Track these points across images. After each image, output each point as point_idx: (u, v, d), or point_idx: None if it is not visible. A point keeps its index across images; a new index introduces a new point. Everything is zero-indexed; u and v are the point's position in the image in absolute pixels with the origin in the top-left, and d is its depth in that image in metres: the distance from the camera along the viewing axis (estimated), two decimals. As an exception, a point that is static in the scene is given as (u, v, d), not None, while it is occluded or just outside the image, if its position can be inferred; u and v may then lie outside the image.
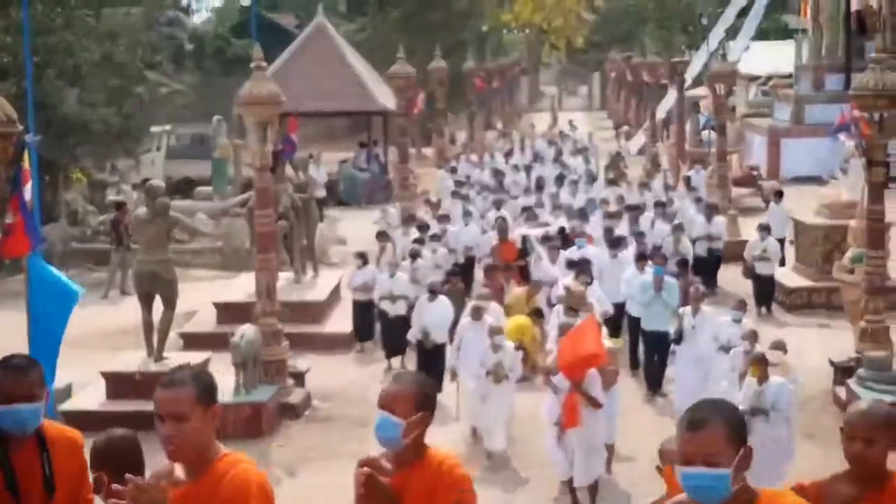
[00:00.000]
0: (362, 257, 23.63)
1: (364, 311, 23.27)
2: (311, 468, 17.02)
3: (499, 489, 15.72)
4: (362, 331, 23.50)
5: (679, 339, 18.34)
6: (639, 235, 24.43)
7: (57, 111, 31.74)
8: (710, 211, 28.12)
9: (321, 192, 40.06)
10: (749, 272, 25.84)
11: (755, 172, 42.54)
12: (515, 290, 22.40)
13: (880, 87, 18.33)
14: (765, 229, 25.91)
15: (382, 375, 21.43)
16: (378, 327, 22.89)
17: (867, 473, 6.45)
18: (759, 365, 14.75)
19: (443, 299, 20.21)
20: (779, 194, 30.37)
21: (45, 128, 30.64)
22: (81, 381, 19.62)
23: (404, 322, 21.42)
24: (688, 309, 18.54)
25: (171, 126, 47.79)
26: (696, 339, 18.17)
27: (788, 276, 26.58)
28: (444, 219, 27.66)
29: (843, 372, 19.28)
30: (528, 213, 28.33)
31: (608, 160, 44.56)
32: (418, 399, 6.49)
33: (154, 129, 40.38)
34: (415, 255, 23.47)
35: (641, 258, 21.22)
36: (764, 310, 25.44)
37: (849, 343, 20.17)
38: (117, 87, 34.15)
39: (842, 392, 18.83)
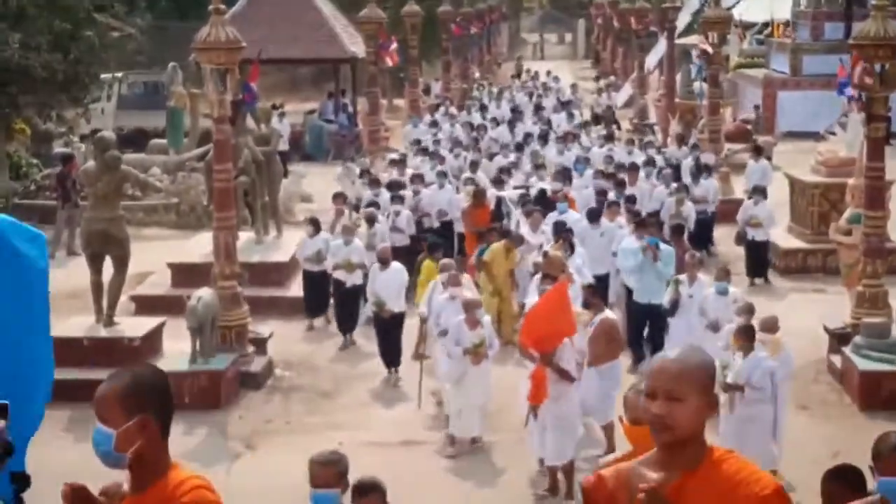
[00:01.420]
0: (314, 224, 22.97)
1: (316, 284, 22.74)
2: (272, 441, 17.11)
3: (471, 482, 15.66)
4: (314, 305, 23.05)
5: (674, 309, 18.26)
6: (630, 200, 24.09)
7: (-3, 56, 31.58)
8: (699, 172, 27.86)
9: (284, 146, 40.05)
10: (741, 239, 25.71)
11: (749, 126, 42.65)
12: (494, 245, 21.86)
13: (882, 36, 18.43)
14: (758, 192, 25.56)
15: (337, 353, 21.55)
16: (332, 301, 22.47)
17: (674, 447, 5.15)
18: (741, 337, 14.62)
19: (396, 265, 20.06)
20: (757, 150, 30.57)
21: (-16, 74, 30.56)
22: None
23: (360, 293, 21.46)
24: (683, 277, 18.43)
25: (122, 73, 47.56)
26: (693, 309, 18.07)
27: (782, 238, 26.73)
28: (418, 179, 26.96)
29: (838, 339, 19.43)
30: (504, 174, 27.83)
31: (599, 114, 44.46)
32: (128, 402, 5.61)
33: (104, 76, 40.16)
34: (371, 220, 23.13)
35: (640, 225, 20.59)
36: (759, 280, 25.34)
37: (845, 308, 20.32)
38: (63, 30, 33.84)
39: (837, 360, 19.01)
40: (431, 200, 26.17)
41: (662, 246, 19.81)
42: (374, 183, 26.93)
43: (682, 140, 33.48)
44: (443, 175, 27.26)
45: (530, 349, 14.72)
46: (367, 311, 20.93)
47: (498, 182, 26.62)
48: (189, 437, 16.95)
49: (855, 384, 18.01)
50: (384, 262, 19.99)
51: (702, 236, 26.48)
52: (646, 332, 20.03)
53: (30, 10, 33.28)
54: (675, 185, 26.04)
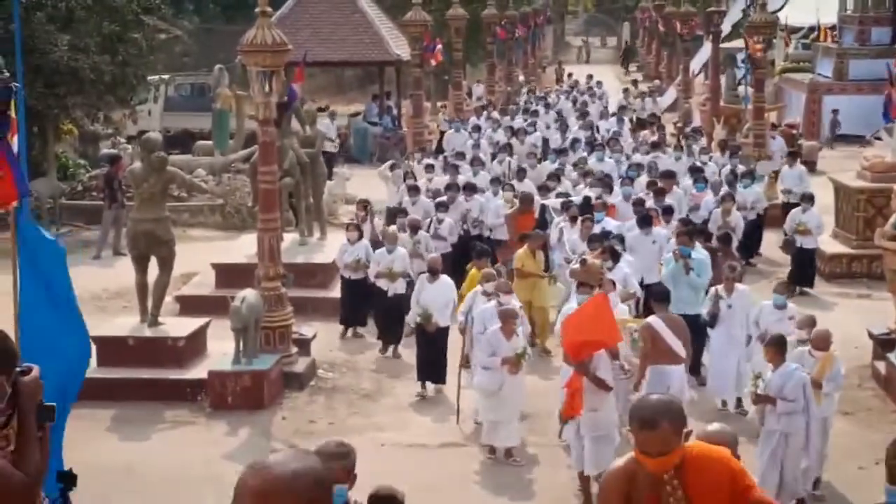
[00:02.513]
0: (356, 229, 22.44)
1: (354, 292, 22.21)
2: (315, 442, 16.88)
3: (509, 488, 15.54)
4: (350, 314, 22.52)
5: (714, 321, 17.85)
6: (667, 211, 23.19)
7: (47, 57, 31.69)
8: (735, 179, 27.11)
9: (332, 147, 40.17)
10: (789, 246, 25.25)
11: (794, 131, 42.40)
12: (519, 252, 21.25)
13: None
14: (806, 199, 24.98)
15: (380, 355, 21.31)
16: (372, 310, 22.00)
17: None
18: (772, 349, 14.21)
19: (445, 278, 19.36)
20: (792, 155, 30.19)
21: (33, 75, 30.69)
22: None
23: (403, 302, 20.66)
24: (721, 288, 17.93)
25: (169, 75, 47.78)
26: (733, 320, 17.77)
27: (827, 243, 26.49)
28: (468, 187, 26.00)
29: (882, 345, 19.30)
30: (552, 179, 26.90)
31: (643, 119, 44.09)
32: None
33: (151, 78, 40.34)
34: (415, 228, 22.68)
35: (683, 235, 19.77)
36: (806, 288, 24.70)
37: (890, 314, 20.14)
38: (112, 32, 34.05)
39: (881, 367, 18.88)
40: (485, 210, 25.31)
41: (695, 255, 19.14)
42: (413, 190, 26.09)
43: (724, 146, 32.88)
44: (497, 182, 26.68)
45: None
46: (409, 321, 20.12)
47: (543, 189, 25.73)
48: (232, 437, 17.00)
49: (899, 390, 17.88)
50: (434, 273, 19.27)
51: (745, 244, 25.81)
52: None
53: (79, 12, 33.47)
54: (723, 192, 25.45)
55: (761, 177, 29.23)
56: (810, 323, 15.71)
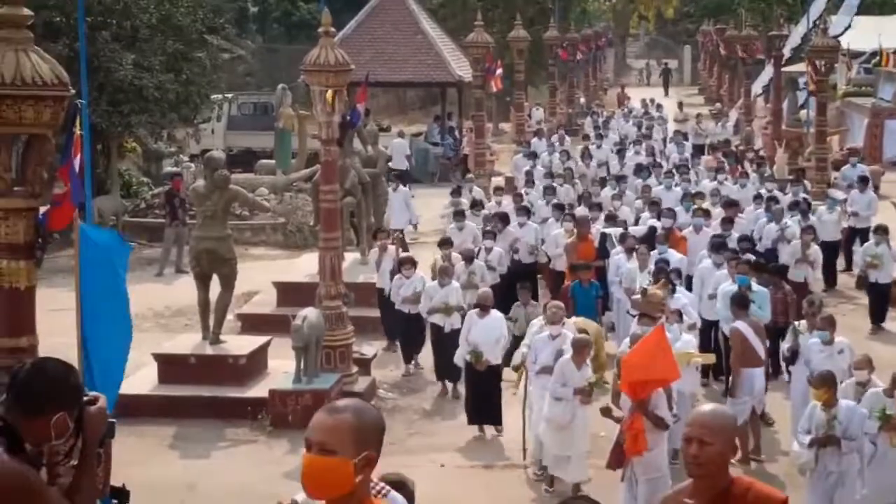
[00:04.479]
0: (411, 263, 21.48)
1: (413, 325, 21.15)
2: (373, 462, 16.97)
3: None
4: (411, 347, 21.52)
5: (794, 357, 16.71)
6: (743, 240, 22.16)
7: (111, 76, 31.89)
8: (809, 206, 26.28)
9: (404, 164, 40.36)
10: (862, 282, 24.37)
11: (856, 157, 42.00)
12: (566, 284, 20.39)
13: None
14: (880, 232, 23.74)
15: (434, 405, 20.08)
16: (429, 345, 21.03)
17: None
18: (823, 387, 13.52)
19: (496, 313, 18.15)
20: (863, 180, 28.95)
21: (98, 93, 30.92)
22: (132, 363, 19.61)
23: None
24: (802, 324, 16.89)
25: (232, 94, 48.00)
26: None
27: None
28: (523, 211, 24.99)
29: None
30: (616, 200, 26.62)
31: (714, 144, 43.20)
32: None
33: (214, 96, 40.51)
34: (469, 257, 21.74)
35: (746, 264, 19.19)
36: (884, 324, 23.49)
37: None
38: (176, 51, 34.24)
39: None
40: (519, 236, 24.11)
41: (756, 287, 18.46)
42: (459, 215, 24.99)
43: (800, 175, 31.62)
44: (559, 209, 25.41)
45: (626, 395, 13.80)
46: (457, 360, 18.61)
47: (610, 218, 24.55)
48: (293, 455, 16.88)
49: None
50: (484, 309, 18.06)
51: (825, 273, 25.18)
52: None
53: (143, 31, 33.68)
54: (805, 224, 24.17)
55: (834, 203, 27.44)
56: (867, 364, 14.83)
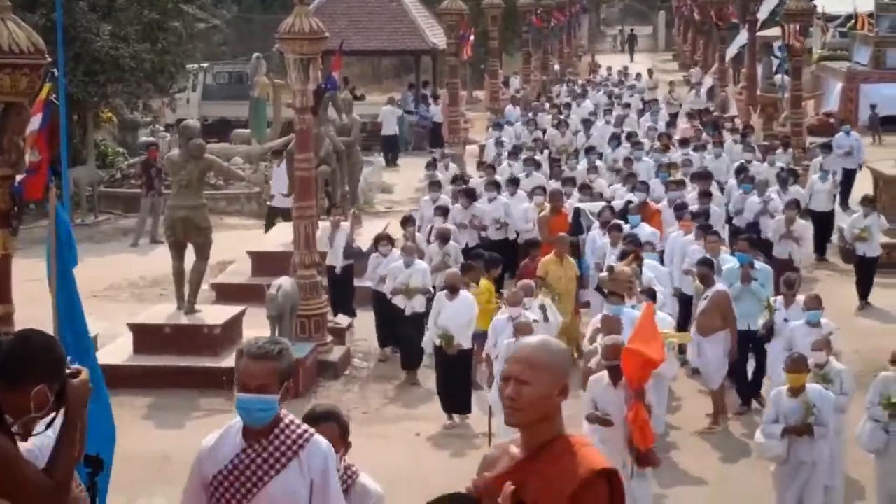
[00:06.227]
0: (388, 240, 20.52)
1: (389, 308, 19.61)
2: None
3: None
4: (387, 333, 20.27)
5: (770, 334, 16.43)
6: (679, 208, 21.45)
7: (88, 46, 31.70)
8: (788, 177, 25.07)
9: (394, 130, 40.89)
10: (849, 255, 23.82)
11: (831, 120, 42.00)
12: (544, 259, 19.38)
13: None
14: (867, 203, 22.96)
15: (395, 392, 19.06)
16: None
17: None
18: (804, 371, 12.99)
19: (465, 295, 17.15)
20: (825, 147, 28.98)
21: (74, 63, 30.70)
22: (107, 333, 19.67)
23: (422, 322, 18.37)
24: (780, 299, 16.62)
25: (207, 64, 47.75)
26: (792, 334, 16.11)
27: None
28: (493, 186, 24.04)
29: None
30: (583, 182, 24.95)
31: (691, 112, 42.71)
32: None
33: (190, 66, 40.26)
34: (445, 237, 20.85)
35: (746, 241, 18.59)
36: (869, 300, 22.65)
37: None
38: (152, 20, 34.03)
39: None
40: (485, 211, 23.35)
41: (758, 265, 17.94)
42: (434, 185, 24.54)
43: (787, 144, 31.00)
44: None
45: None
46: (426, 344, 17.95)
47: (584, 188, 23.98)
48: (268, 425, 16.86)
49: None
50: (453, 291, 17.09)
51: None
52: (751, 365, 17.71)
53: (119, 1, 33.48)
54: (789, 198, 23.29)
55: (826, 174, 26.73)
56: (825, 345, 14.11)
